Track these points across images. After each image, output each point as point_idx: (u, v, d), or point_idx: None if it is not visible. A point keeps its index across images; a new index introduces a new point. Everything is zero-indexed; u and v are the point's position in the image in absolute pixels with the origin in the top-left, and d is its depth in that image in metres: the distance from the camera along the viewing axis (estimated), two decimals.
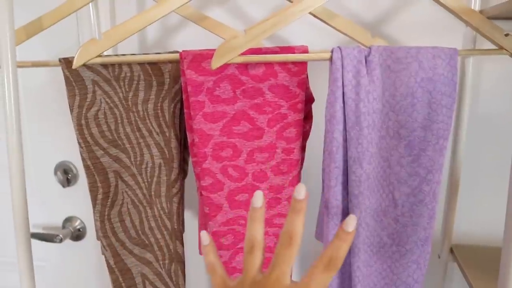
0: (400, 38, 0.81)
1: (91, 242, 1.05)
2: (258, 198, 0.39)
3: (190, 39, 0.88)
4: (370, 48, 0.62)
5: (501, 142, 0.82)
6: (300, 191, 0.37)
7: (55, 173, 1.01)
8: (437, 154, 0.62)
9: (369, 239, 0.65)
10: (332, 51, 0.61)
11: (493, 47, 0.66)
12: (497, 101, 0.80)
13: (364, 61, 0.61)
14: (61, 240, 0.98)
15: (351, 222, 0.36)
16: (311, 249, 0.94)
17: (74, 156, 1.00)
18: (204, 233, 0.42)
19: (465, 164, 0.83)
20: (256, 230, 0.39)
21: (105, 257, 0.74)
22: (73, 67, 0.65)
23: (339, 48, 0.61)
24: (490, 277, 0.72)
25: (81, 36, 0.90)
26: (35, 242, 1.07)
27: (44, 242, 1.06)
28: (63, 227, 1.05)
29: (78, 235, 1.04)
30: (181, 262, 0.75)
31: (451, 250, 0.83)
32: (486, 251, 0.81)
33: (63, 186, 1.01)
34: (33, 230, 1.07)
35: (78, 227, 1.04)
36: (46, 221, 1.06)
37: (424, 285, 0.90)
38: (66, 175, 1.01)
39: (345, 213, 0.64)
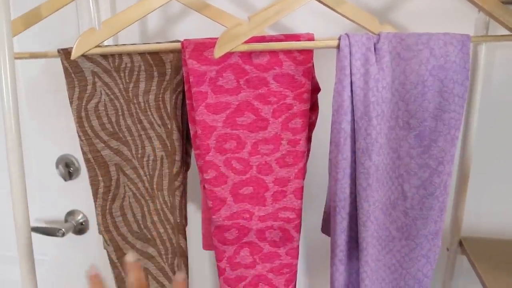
0: (409, 26, 0.78)
1: (94, 236, 1.04)
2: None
3: (192, 29, 0.86)
4: (379, 35, 0.59)
5: None
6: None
7: (57, 167, 1.00)
8: (449, 144, 0.60)
9: (377, 232, 0.63)
10: (339, 38, 0.59)
11: (507, 33, 0.63)
12: (510, 89, 0.78)
13: (373, 49, 0.58)
14: (63, 234, 0.97)
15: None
16: (318, 243, 0.92)
17: (75, 149, 0.99)
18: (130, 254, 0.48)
19: (476, 154, 0.81)
20: None
21: (107, 251, 0.73)
22: (72, 58, 0.64)
23: (347, 35, 0.58)
24: (501, 270, 0.70)
25: (81, 26, 0.88)
26: (37, 236, 1.06)
27: (46, 236, 1.04)
28: (66, 221, 1.04)
29: (80, 229, 1.03)
30: (184, 257, 0.74)
31: (460, 243, 0.81)
32: (496, 243, 0.79)
33: (65, 180, 1.00)
34: (35, 224, 1.06)
35: (81, 220, 1.03)
36: (49, 215, 1.05)
37: (433, 278, 0.88)
38: (68, 169, 0.99)
39: (353, 206, 0.62)
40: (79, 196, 1.01)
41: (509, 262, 0.73)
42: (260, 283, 0.70)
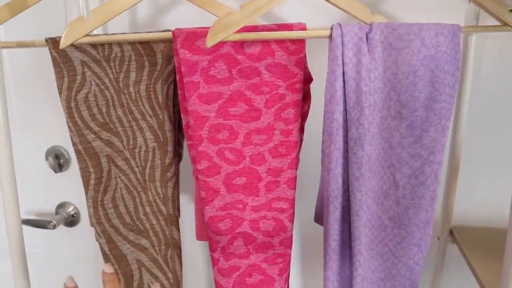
0: (400, 16, 0.78)
1: (86, 228, 1.03)
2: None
3: (183, 18, 0.85)
4: (371, 25, 0.59)
5: (503, 122, 0.80)
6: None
7: (47, 158, 0.99)
8: (439, 134, 0.61)
9: (370, 222, 0.63)
10: (331, 28, 0.58)
11: (497, 23, 0.63)
12: (500, 80, 0.78)
13: (365, 39, 0.58)
14: (54, 227, 0.96)
15: None
16: (311, 232, 0.93)
17: (65, 141, 0.98)
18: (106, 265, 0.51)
19: (466, 144, 0.82)
20: None
21: (100, 244, 0.72)
22: (60, 47, 0.62)
23: (339, 25, 0.58)
24: (491, 258, 0.72)
25: (69, 15, 0.87)
26: (28, 229, 1.05)
27: (37, 229, 1.04)
28: (56, 213, 1.03)
29: (71, 221, 1.03)
30: (178, 248, 0.74)
31: (451, 232, 0.82)
32: (486, 232, 0.81)
33: (55, 172, 0.99)
34: (26, 216, 1.05)
35: (72, 212, 1.02)
36: (39, 207, 1.04)
37: (424, 267, 0.89)
38: (58, 160, 0.98)
39: (346, 196, 0.62)
40: (70, 188, 1.01)
41: (499, 250, 0.74)
42: (253, 273, 0.71)
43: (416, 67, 0.59)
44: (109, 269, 0.48)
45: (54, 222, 0.96)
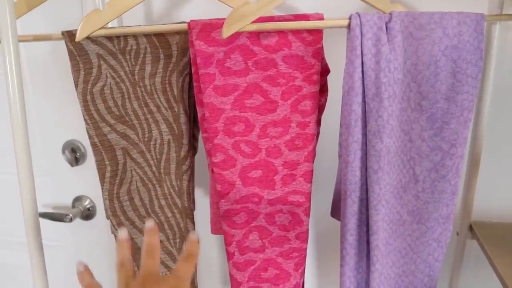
0: (420, 5, 0.76)
1: (102, 221, 1.04)
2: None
3: (198, 11, 0.84)
4: (391, 14, 0.58)
5: None
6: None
7: (63, 152, 1.00)
8: (461, 126, 0.59)
9: (388, 216, 0.62)
10: (350, 18, 0.57)
11: None
12: None
13: (384, 28, 0.57)
14: (71, 220, 0.97)
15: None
16: (327, 227, 0.92)
17: (81, 135, 0.98)
18: (123, 229, 0.50)
19: (487, 136, 0.79)
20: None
21: (115, 236, 0.73)
22: (76, 40, 0.62)
23: (358, 14, 0.57)
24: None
25: (85, 8, 0.87)
26: (45, 222, 1.06)
27: (54, 222, 1.05)
28: (73, 206, 1.04)
29: (88, 215, 1.03)
30: None
31: (470, 227, 0.80)
32: (507, 228, 0.79)
33: (72, 165, 0.99)
34: (43, 210, 1.06)
35: (88, 206, 1.03)
36: (56, 200, 1.05)
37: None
38: (74, 154, 0.99)
39: (364, 189, 0.61)
40: (86, 181, 1.01)
41: None
42: (269, 267, 0.70)
43: (438, 57, 0.57)
44: (124, 233, 0.49)
45: (70, 215, 0.97)
